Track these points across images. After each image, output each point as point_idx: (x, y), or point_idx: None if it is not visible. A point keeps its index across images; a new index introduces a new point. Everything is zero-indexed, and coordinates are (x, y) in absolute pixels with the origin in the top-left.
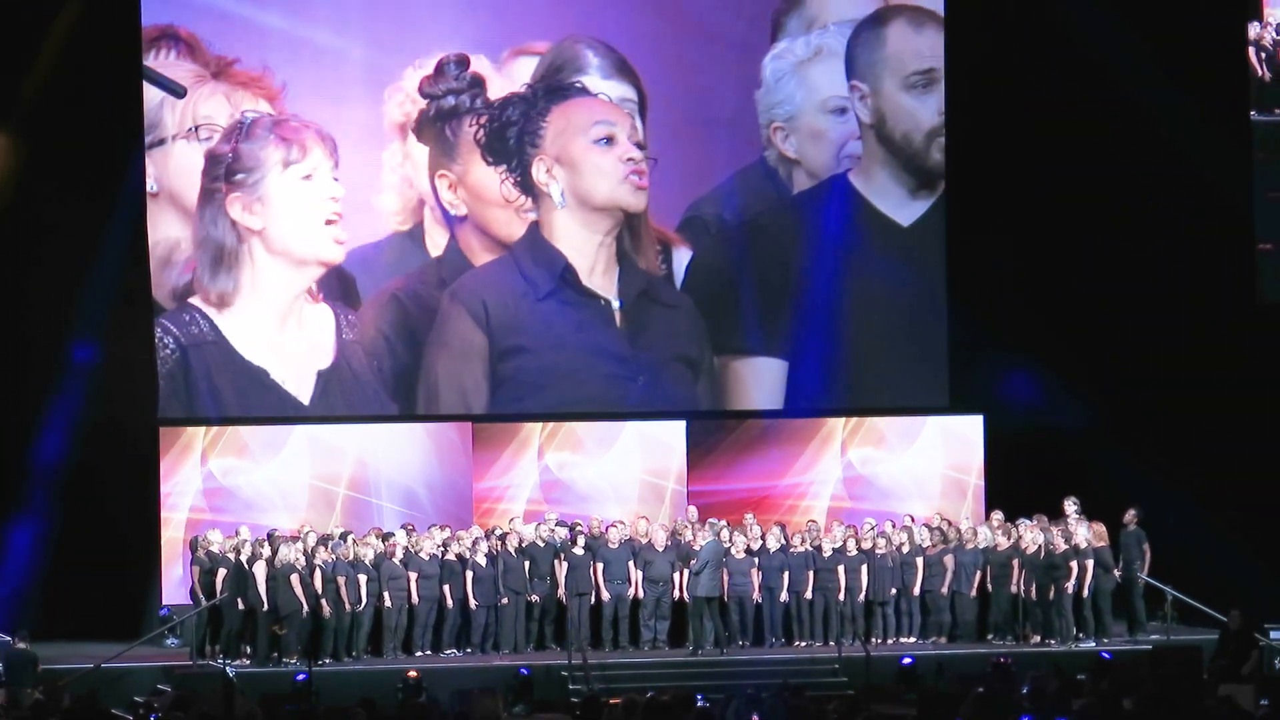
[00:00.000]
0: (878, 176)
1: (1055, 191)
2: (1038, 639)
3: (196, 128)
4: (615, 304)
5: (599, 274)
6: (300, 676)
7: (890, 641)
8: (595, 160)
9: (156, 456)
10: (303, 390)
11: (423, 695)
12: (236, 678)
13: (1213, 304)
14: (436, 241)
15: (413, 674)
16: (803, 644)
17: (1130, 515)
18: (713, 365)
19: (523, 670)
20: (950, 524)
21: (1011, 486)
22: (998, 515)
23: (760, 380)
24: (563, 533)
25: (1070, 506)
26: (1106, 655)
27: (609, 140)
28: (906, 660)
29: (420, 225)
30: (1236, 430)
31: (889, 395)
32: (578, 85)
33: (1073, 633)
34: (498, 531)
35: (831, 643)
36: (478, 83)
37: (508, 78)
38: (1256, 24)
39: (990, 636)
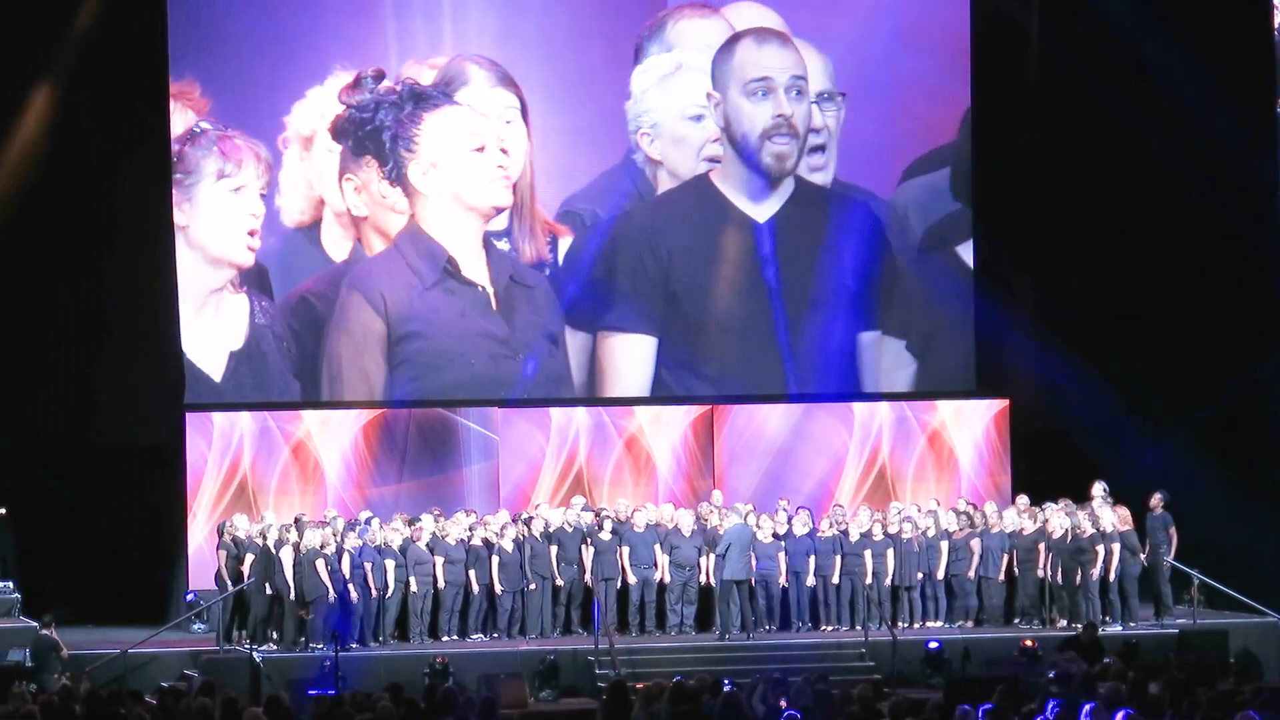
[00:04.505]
0: (734, 177)
1: (1080, 177)
2: (1064, 623)
3: None
4: (490, 290)
5: (474, 263)
6: (327, 662)
7: (917, 626)
8: (466, 165)
9: (183, 441)
10: (215, 369)
11: (449, 680)
12: (263, 663)
13: (1240, 289)
14: (333, 239)
15: (440, 659)
16: (829, 629)
17: (1156, 499)
18: (564, 338)
19: (549, 655)
20: (976, 508)
21: (1038, 470)
22: (1024, 499)
23: (630, 355)
24: (589, 518)
25: (1097, 490)
26: (1133, 639)
27: (480, 149)
28: (933, 644)
29: (318, 224)
30: (1262, 414)
31: (915, 379)
32: (446, 94)
33: (1099, 617)
34: (524, 516)
35: (858, 627)
36: (391, 95)
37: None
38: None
39: (1016, 621)
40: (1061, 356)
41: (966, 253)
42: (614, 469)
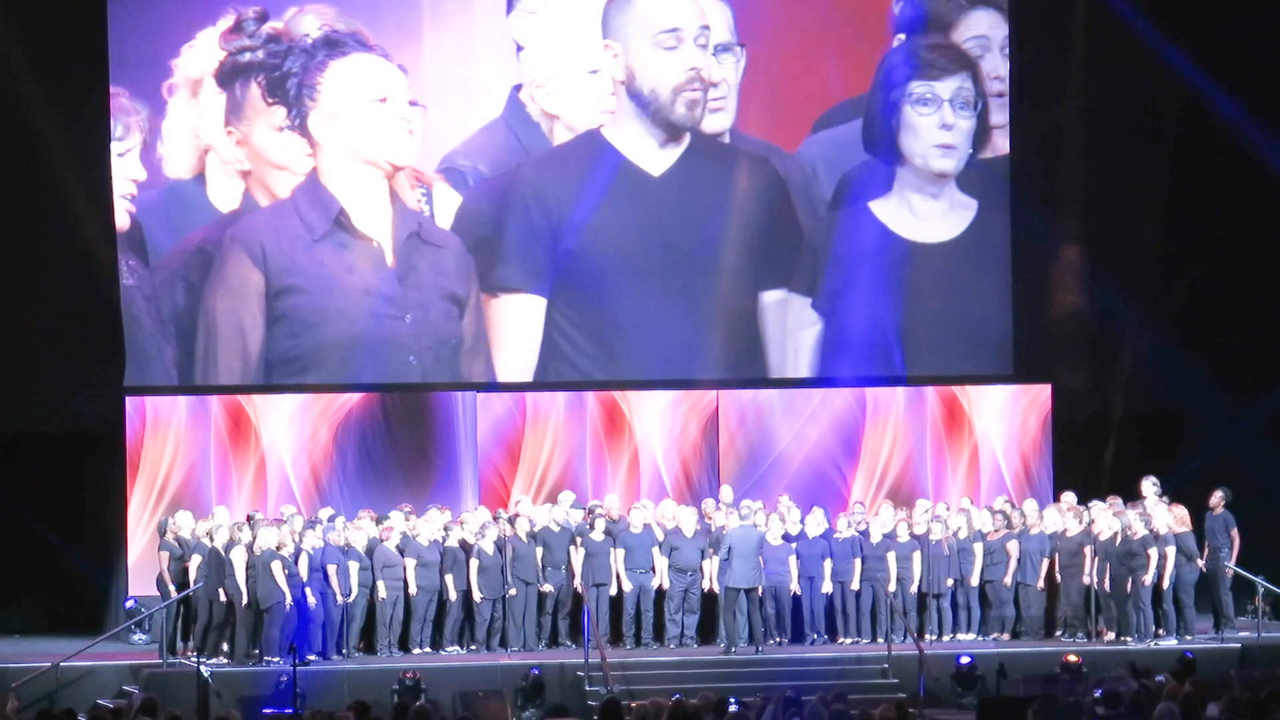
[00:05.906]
0: (628, 130)
1: (1122, 158)
2: (1112, 636)
3: None
4: (387, 245)
5: (371, 217)
6: (284, 677)
7: (946, 638)
8: (368, 116)
9: (122, 428)
10: None
11: (421, 698)
12: (212, 678)
13: None
14: (220, 190)
15: (410, 674)
16: (848, 641)
17: (1217, 498)
18: (478, 302)
19: (534, 670)
20: (1014, 507)
21: (1083, 465)
22: (1068, 497)
23: (518, 316)
24: (579, 516)
25: (1149, 488)
26: (1189, 654)
27: (383, 100)
28: (965, 659)
29: (203, 174)
30: None
31: (948, 363)
32: (355, 41)
33: (1151, 629)
34: (505, 515)
35: (880, 639)
36: (273, 39)
37: (294, 32)
38: None
39: (1059, 633)
40: (1110, 338)
41: (881, 209)
42: (595, 455)
